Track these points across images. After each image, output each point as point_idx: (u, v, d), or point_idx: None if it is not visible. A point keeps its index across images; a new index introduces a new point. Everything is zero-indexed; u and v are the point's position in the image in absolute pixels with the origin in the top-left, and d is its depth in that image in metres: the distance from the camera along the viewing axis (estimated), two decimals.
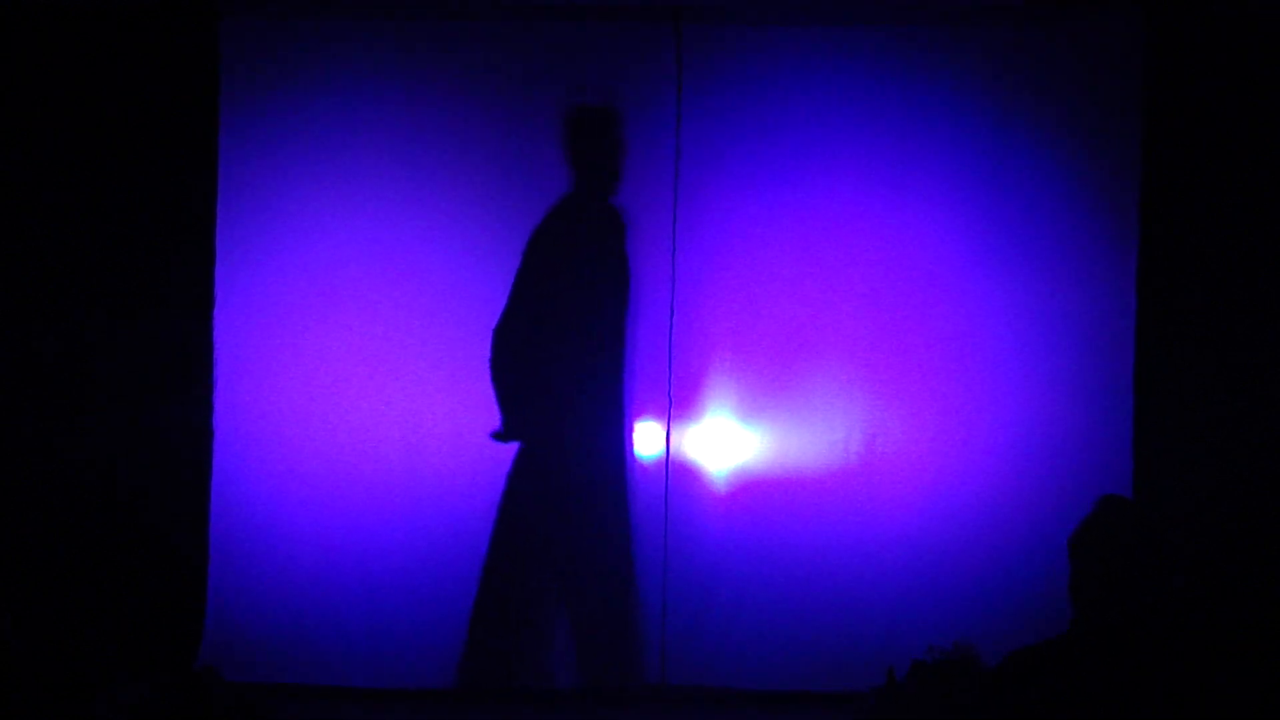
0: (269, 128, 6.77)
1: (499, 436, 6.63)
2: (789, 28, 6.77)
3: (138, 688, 5.10)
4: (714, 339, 6.73)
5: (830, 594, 6.66)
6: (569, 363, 6.61)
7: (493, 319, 6.74)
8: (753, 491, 6.66)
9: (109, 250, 6.72)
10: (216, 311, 6.72)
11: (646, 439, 6.77)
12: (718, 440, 6.71)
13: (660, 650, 6.62)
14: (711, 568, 6.68)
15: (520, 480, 6.63)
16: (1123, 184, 6.70)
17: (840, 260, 6.78)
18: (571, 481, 6.58)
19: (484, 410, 6.65)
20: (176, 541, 6.67)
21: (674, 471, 6.68)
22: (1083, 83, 6.74)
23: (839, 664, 6.45)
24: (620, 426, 6.62)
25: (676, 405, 6.68)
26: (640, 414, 6.75)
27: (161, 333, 6.70)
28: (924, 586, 6.63)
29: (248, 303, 6.79)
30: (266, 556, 6.74)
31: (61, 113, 6.71)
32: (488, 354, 6.68)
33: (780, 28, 6.77)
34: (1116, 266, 6.69)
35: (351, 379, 6.78)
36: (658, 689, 6.55)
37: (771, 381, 6.67)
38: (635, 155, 6.66)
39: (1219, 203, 6.68)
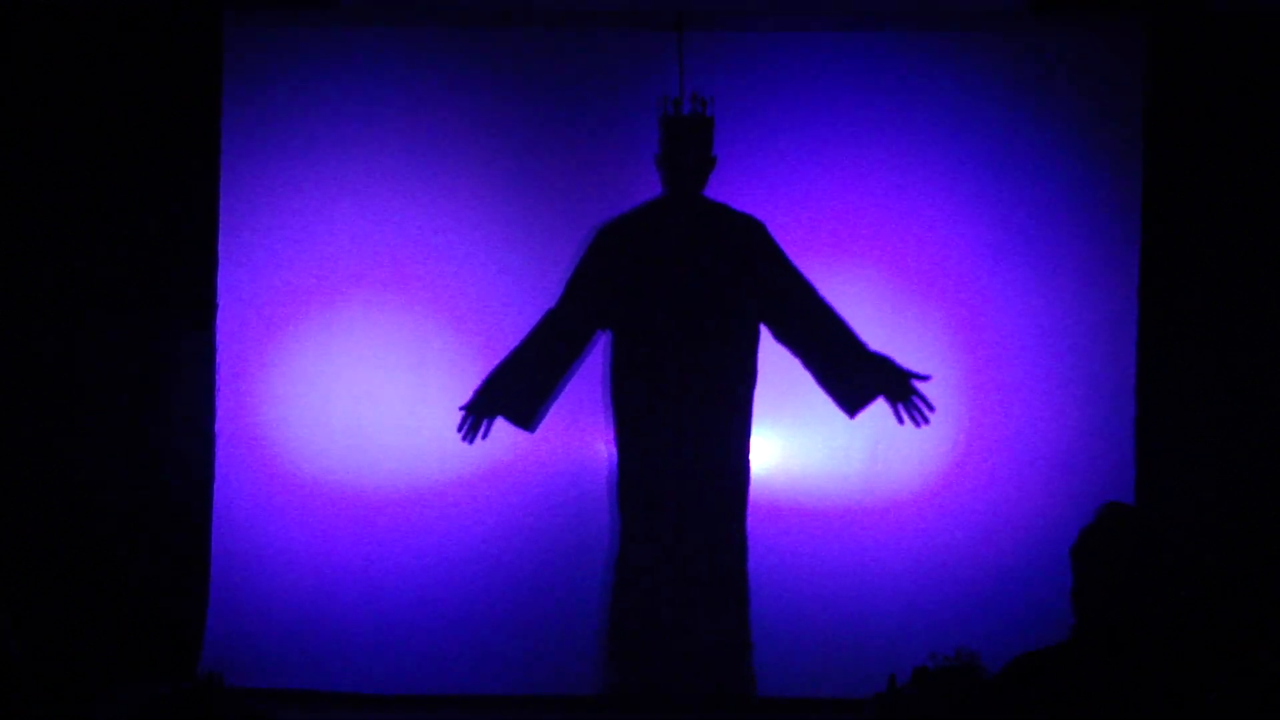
0: (272, 128, 6.79)
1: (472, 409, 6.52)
2: (790, 33, 6.81)
3: (138, 693, 5.11)
4: None
5: (833, 600, 6.70)
6: (685, 364, 6.53)
7: (494, 325, 6.76)
8: (756, 498, 6.64)
9: (110, 251, 6.74)
10: (218, 315, 6.74)
11: None
12: None
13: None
14: None
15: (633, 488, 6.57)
16: (1125, 188, 6.75)
17: (842, 263, 6.80)
18: (687, 491, 6.52)
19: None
20: (178, 546, 6.69)
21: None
22: (1085, 88, 6.78)
23: (841, 670, 6.46)
24: (741, 432, 6.56)
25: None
26: None
27: (163, 336, 6.73)
28: (928, 592, 6.67)
29: (249, 306, 6.81)
30: (268, 561, 6.75)
31: (62, 112, 6.72)
32: (491, 361, 6.64)
33: (782, 34, 6.80)
34: (1119, 270, 6.74)
35: (354, 383, 6.81)
36: (658, 693, 6.52)
37: (774, 386, 6.67)
38: (641, 159, 6.68)
39: (1221, 207, 6.73)
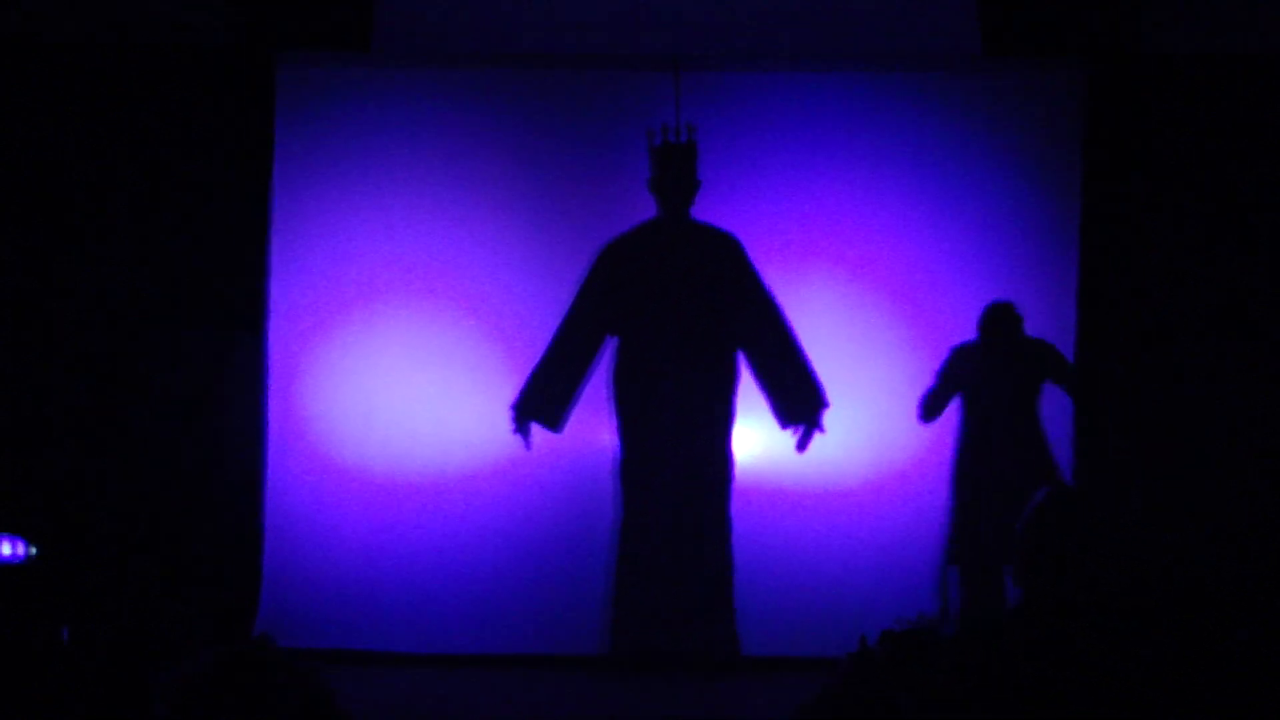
0: (318, 156, 7.19)
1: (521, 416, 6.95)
2: (774, 74, 7.20)
3: (199, 656, 5.53)
4: None
5: (810, 571, 7.09)
6: (677, 366, 6.94)
7: (514, 329, 7.18)
8: (742, 481, 7.07)
9: (176, 265, 7.11)
10: (269, 320, 7.13)
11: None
12: None
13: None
14: None
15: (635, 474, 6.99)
16: (1066, 212, 7.14)
17: (816, 274, 7.21)
18: (677, 476, 6.94)
19: (502, 411, 7.04)
20: (234, 527, 7.03)
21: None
22: (1032, 123, 7.19)
23: (817, 632, 6.80)
24: (725, 425, 6.96)
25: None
26: None
27: (220, 342, 7.09)
28: (894, 565, 7.04)
29: (297, 313, 7.20)
30: (314, 540, 7.15)
31: (136, 144, 7.11)
32: (511, 361, 7.11)
33: (767, 74, 7.20)
34: (1060, 284, 7.10)
35: (390, 381, 7.20)
36: (655, 653, 6.94)
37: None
38: (638, 187, 7.10)
39: (1151, 228, 7.11)
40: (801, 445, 6.99)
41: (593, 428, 7.17)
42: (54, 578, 6.66)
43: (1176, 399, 7.14)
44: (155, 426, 7.08)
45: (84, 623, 6.21)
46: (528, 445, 6.97)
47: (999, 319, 6.79)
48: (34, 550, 6.57)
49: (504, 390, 7.07)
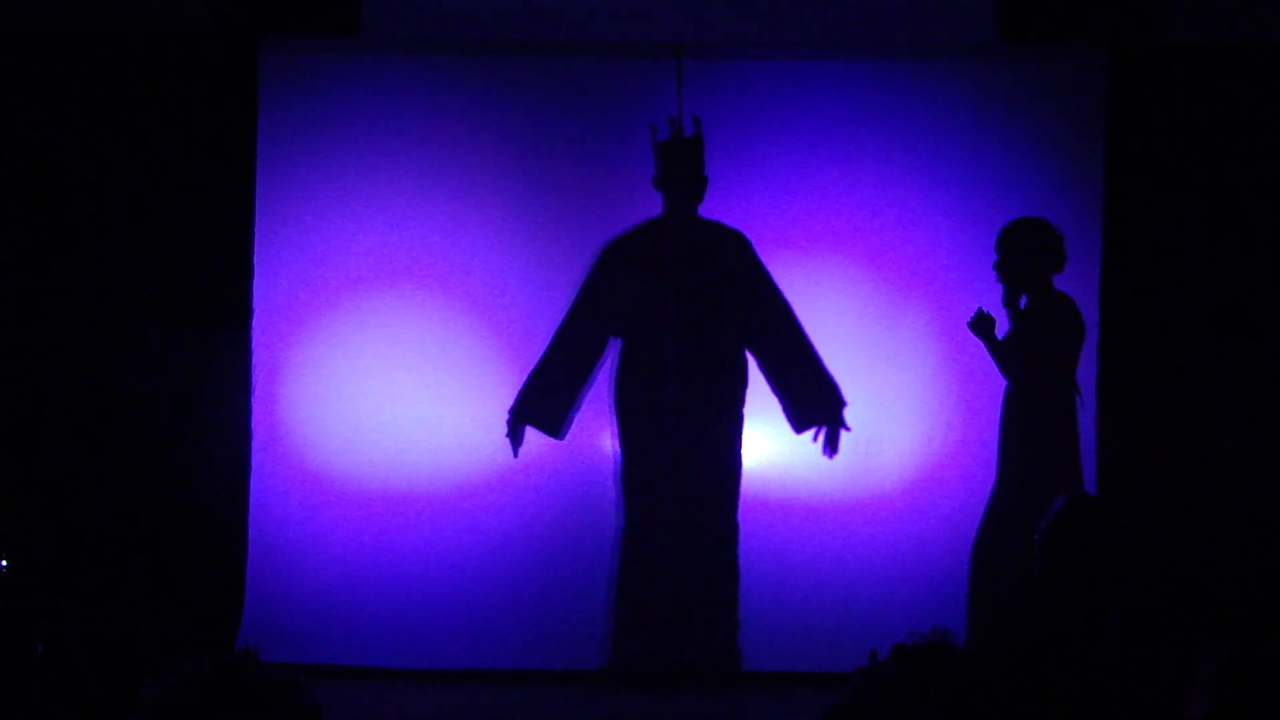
0: (303, 146, 6.99)
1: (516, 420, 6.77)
2: (781, 62, 7.05)
3: (180, 668, 5.40)
4: None
5: (819, 584, 6.92)
6: (682, 369, 6.77)
7: (510, 330, 7.00)
8: (748, 489, 6.90)
9: (156, 261, 6.94)
10: (253, 320, 6.96)
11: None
12: None
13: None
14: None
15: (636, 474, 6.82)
16: (1087, 205, 6.96)
17: (828, 273, 7.04)
18: (684, 483, 6.78)
19: (496, 415, 6.88)
20: (217, 537, 6.89)
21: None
22: (1050, 112, 7.01)
23: (826, 647, 6.70)
24: (733, 431, 6.82)
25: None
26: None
27: (203, 344, 6.93)
28: (906, 577, 6.88)
29: (282, 312, 7.01)
30: (299, 550, 6.98)
31: (112, 134, 6.93)
32: (505, 363, 6.94)
33: (773, 62, 7.05)
34: (1081, 279, 6.89)
35: (379, 383, 7.02)
36: (656, 668, 6.78)
37: (766, 385, 6.91)
38: (644, 178, 6.93)
39: (1174, 221, 6.98)
40: (830, 447, 6.78)
41: (594, 433, 7.01)
42: (28, 588, 6.49)
43: (1197, 403, 6.99)
44: (135, 432, 6.95)
45: (60, 634, 6.08)
46: (516, 452, 6.80)
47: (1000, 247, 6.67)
48: (3, 562, 6.37)
49: (499, 394, 6.91)
